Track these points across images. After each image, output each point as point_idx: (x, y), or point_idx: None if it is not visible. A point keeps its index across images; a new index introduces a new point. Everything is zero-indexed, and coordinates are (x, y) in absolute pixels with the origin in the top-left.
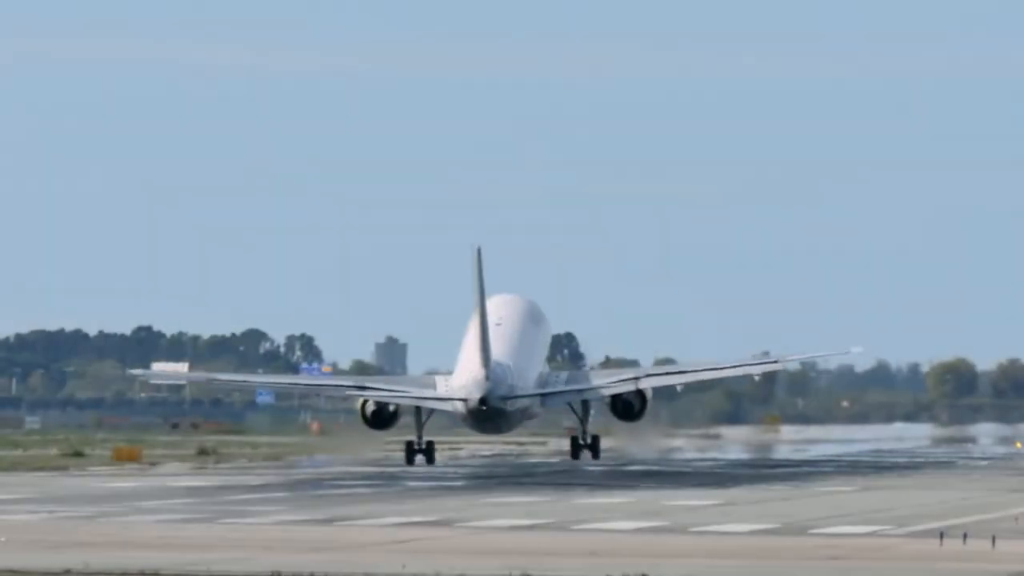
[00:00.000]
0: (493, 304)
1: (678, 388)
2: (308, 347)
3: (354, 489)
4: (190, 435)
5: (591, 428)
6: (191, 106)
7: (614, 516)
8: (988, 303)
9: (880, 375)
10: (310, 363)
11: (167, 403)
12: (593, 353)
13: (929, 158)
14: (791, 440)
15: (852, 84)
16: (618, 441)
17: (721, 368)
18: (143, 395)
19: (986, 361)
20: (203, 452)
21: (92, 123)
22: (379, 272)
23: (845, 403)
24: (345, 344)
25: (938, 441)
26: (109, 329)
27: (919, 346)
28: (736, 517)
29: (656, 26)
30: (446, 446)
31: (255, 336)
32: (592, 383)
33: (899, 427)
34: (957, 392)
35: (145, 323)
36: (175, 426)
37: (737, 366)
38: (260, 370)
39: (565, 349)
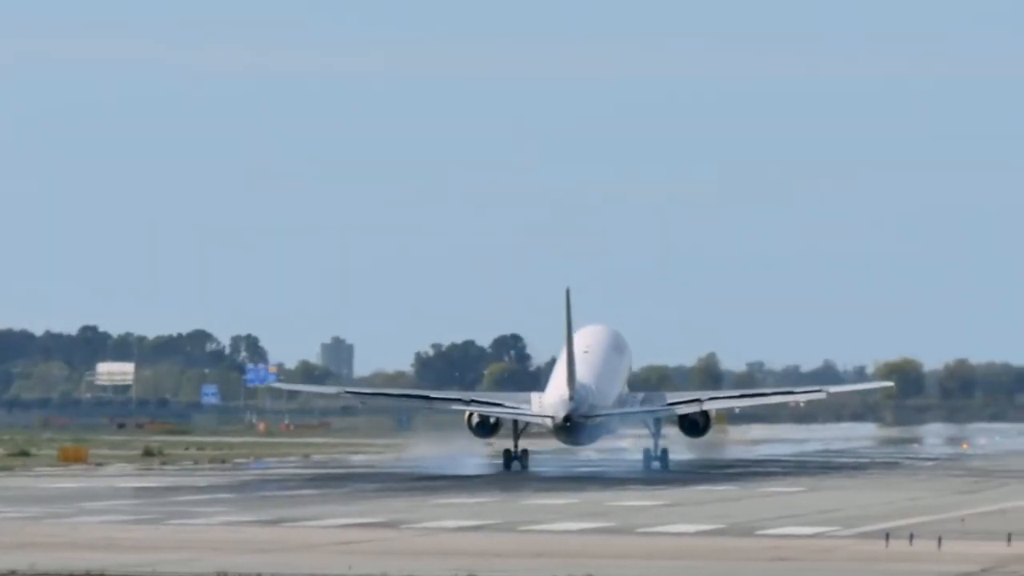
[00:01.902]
0: (583, 333)
1: (736, 410)
2: (253, 348)
3: (301, 490)
4: (136, 435)
5: (661, 443)
6: (142, 105)
7: (561, 517)
8: (935, 304)
9: (826, 375)
10: (255, 364)
11: (113, 403)
12: (540, 355)
13: (873, 159)
14: (737, 440)
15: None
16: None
17: (771, 394)
18: (89, 395)
19: (933, 361)
20: (149, 453)
21: (37, 123)
22: (324, 272)
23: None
24: (291, 344)
25: (884, 441)
26: (55, 329)
27: (865, 347)
28: (682, 517)
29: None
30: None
31: (200, 337)
32: (663, 404)
33: (846, 427)
34: (904, 392)
35: (91, 323)
36: (121, 426)
37: (783, 392)
38: (206, 371)
39: (512, 350)
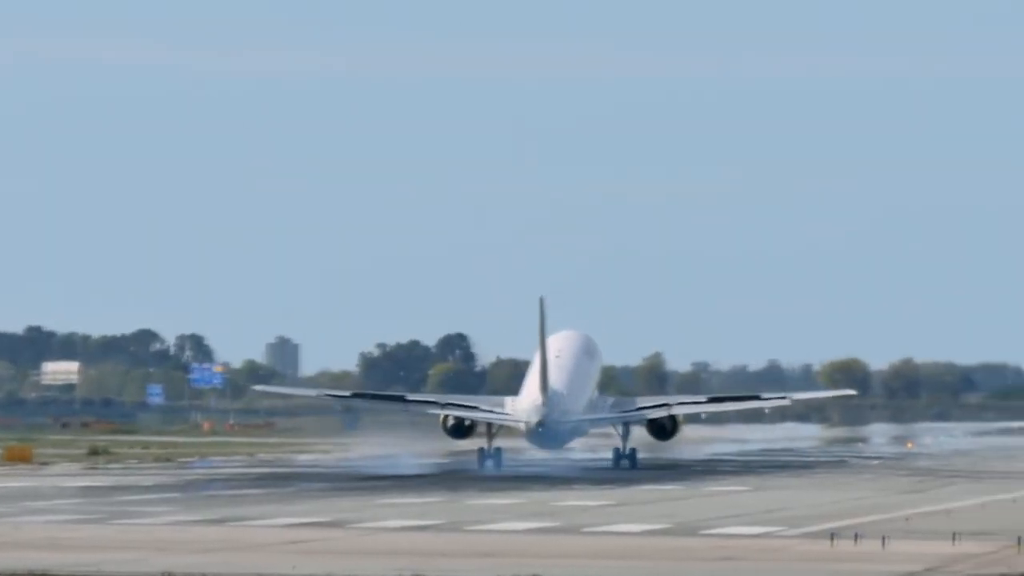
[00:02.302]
0: (556, 338)
1: (702, 416)
2: (199, 347)
3: (246, 490)
4: (81, 435)
5: (630, 444)
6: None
7: (506, 517)
8: (881, 303)
9: (772, 375)
10: (201, 363)
11: (58, 403)
12: (485, 354)
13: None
14: (683, 440)
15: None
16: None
17: (738, 399)
18: (34, 395)
19: (879, 361)
20: (94, 452)
21: None
22: (270, 272)
23: None
24: (236, 344)
25: (830, 441)
26: (0, 328)
27: (811, 346)
28: (628, 517)
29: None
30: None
31: (146, 336)
32: (633, 408)
33: (791, 427)
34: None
35: (36, 323)
36: (65, 426)
37: (751, 398)
38: (151, 370)
39: (457, 349)
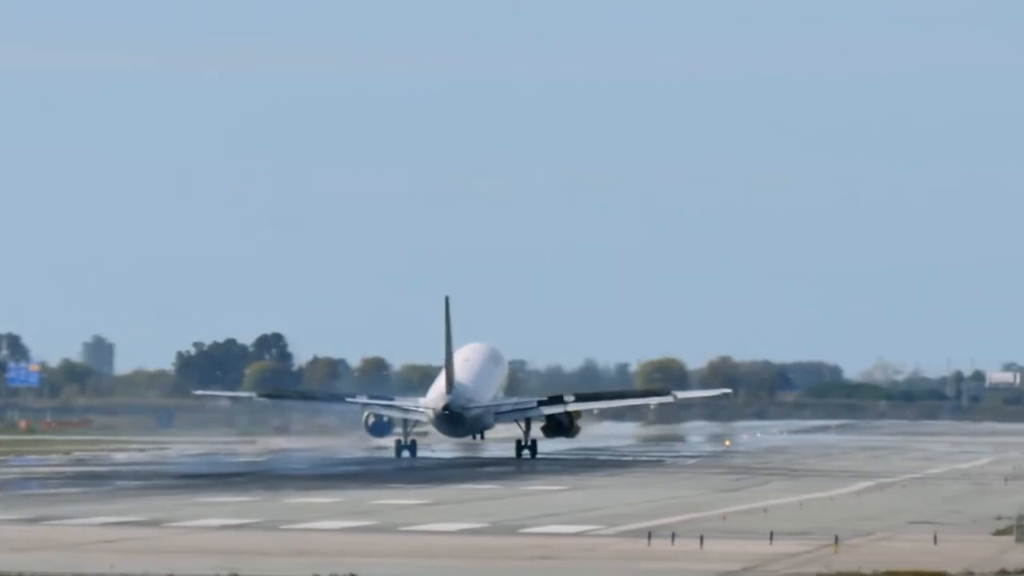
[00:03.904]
0: (465, 349)
1: (595, 412)
2: (15, 345)
3: (63, 488)
4: None
5: (531, 436)
6: None
7: (323, 515)
8: (698, 302)
9: (588, 374)
10: (17, 362)
11: None
12: (302, 353)
13: (611, 157)
14: (498, 439)
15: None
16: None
17: (627, 396)
18: None
19: (696, 359)
20: None
21: None
22: (85, 270)
23: None
24: (53, 343)
25: (647, 440)
26: None
27: (628, 345)
28: (445, 516)
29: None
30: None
31: None
32: (532, 404)
33: (608, 426)
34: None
35: None
36: None
37: (641, 393)
38: None
39: (273, 348)
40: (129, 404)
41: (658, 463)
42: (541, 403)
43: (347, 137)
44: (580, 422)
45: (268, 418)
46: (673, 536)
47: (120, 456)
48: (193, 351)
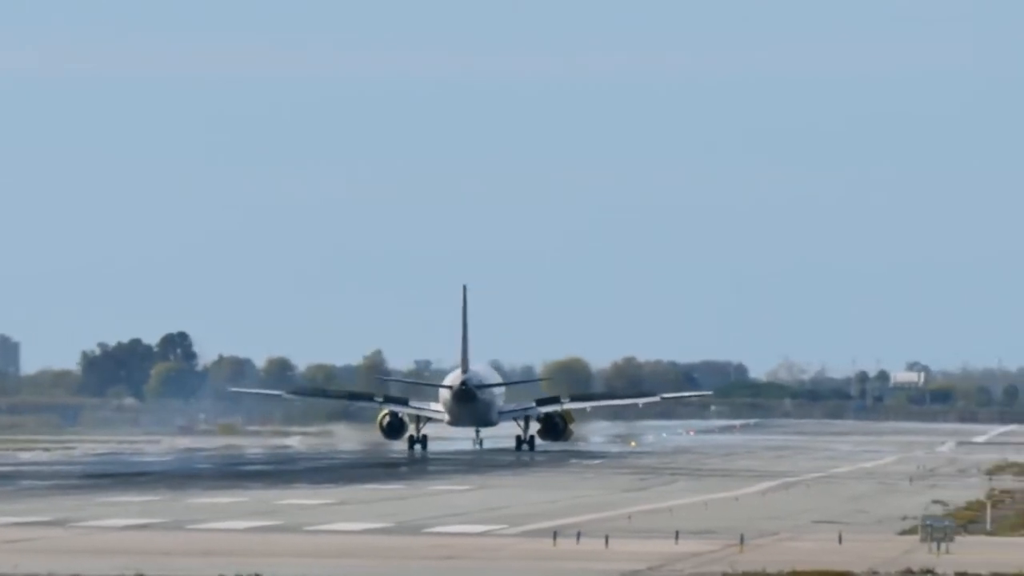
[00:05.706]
0: (475, 366)
1: (587, 410)
2: None
3: None
4: None
5: (529, 433)
6: None
7: (228, 515)
8: (602, 303)
9: None
10: None
11: None
12: (207, 352)
13: (532, 157)
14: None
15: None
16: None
17: (616, 398)
18: None
19: (600, 360)
20: None
21: None
22: None
23: None
24: None
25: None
26: None
27: (532, 346)
28: (350, 516)
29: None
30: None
31: None
32: (531, 404)
33: (510, 426)
34: (572, 392)
35: None
36: None
37: (632, 395)
38: None
39: (178, 348)
40: (35, 403)
41: (562, 463)
42: (539, 403)
43: (267, 136)
44: (573, 426)
45: (172, 418)
46: (578, 536)
47: (25, 455)
48: (98, 351)
